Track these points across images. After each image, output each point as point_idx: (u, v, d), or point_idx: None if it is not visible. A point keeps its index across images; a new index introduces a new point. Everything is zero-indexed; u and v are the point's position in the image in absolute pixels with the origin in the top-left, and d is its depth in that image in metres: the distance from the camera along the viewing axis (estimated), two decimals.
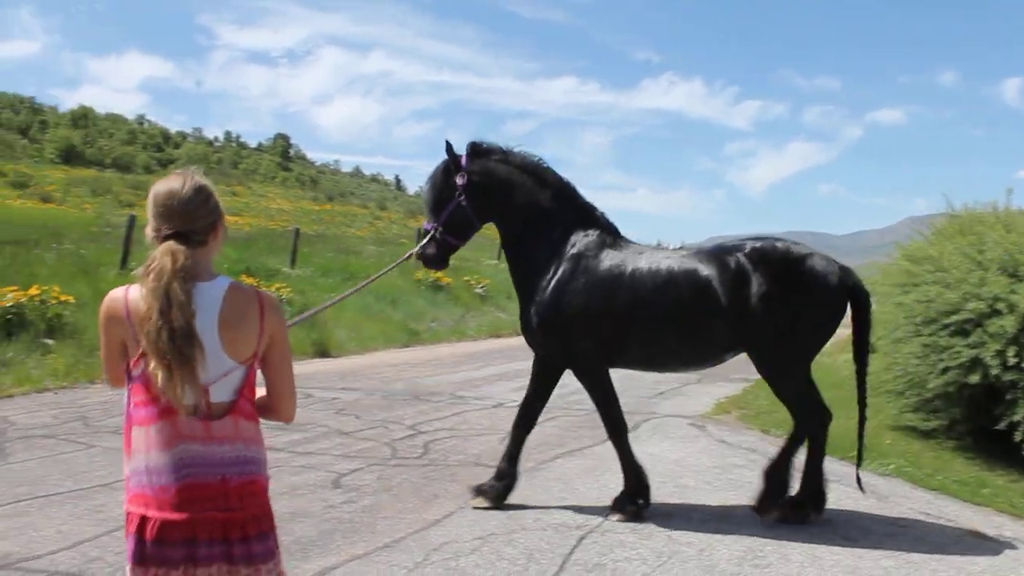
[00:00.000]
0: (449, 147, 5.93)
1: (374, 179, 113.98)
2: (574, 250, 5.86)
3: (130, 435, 2.49)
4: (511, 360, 13.97)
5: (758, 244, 5.76)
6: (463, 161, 5.92)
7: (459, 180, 5.88)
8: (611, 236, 6.00)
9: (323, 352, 14.34)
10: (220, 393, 2.49)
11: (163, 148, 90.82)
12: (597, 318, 5.71)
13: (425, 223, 6.16)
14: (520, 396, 10.38)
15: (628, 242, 6.06)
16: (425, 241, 6.00)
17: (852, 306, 5.86)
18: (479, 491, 5.90)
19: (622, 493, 5.86)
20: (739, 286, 5.57)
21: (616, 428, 5.92)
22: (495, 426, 8.44)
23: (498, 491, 5.88)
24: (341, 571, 4.61)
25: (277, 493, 5.97)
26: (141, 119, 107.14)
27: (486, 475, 6.35)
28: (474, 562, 4.80)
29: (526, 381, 11.32)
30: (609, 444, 7.90)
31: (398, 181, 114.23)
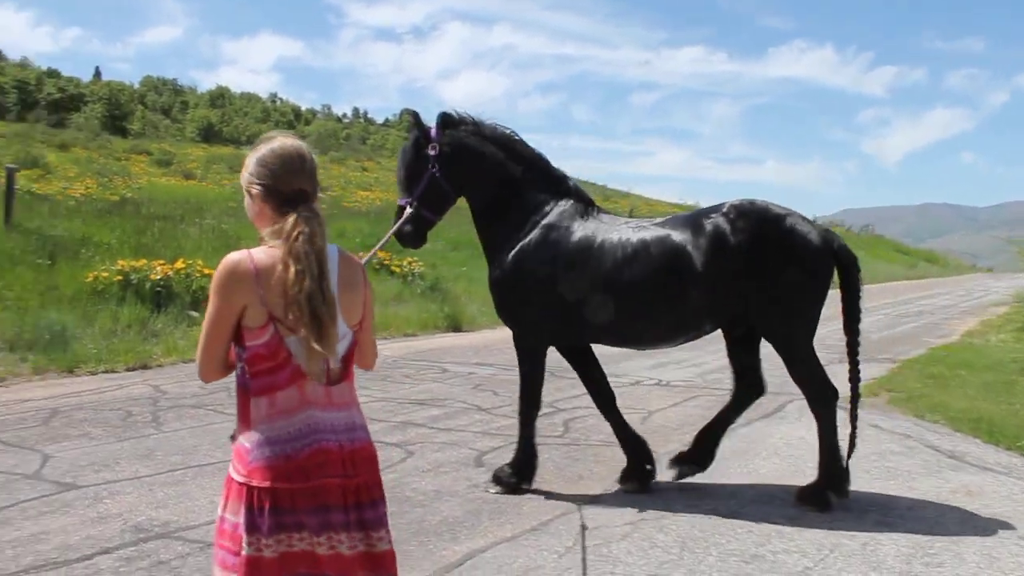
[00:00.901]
0: (417, 118, 5.75)
1: None
2: (544, 220, 5.65)
3: (248, 407, 2.44)
4: None
5: (735, 202, 5.47)
6: (433, 132, 5.73)
7: (431, 151, 5.66)
8: (584, 206, 5.77)
9: (455, 327, 14.41)
10: (334, 359, 2.48)
11: (295, 125, 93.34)
12: (563, 290, 5.49)
13: (400, 199, 5.87)
14: (657, 373, 10.21)
15: (603, 212, 5.84)
16: (405, 218, 5.73)
17: (839, 271, 5.51)
18: (625, 476, 5.76)
19: (507, 465, 5.68)
20: (715, 248, 5.29)
21: (529, 405, 5.71)
22: (634, 405, 8.24)
23: (647, 475, 5.74)
24: (491, 554, 4.52)
25: (421, 470, 5.98)
26: (274, 97, 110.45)
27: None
28: (626, 548, 4.64)
29: (662, 358, 11.15)
30: (757, 425, 7.65)
31: None
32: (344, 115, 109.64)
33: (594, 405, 6.02)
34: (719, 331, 5.74)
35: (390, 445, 6.52)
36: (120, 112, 64.57)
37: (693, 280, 5.29)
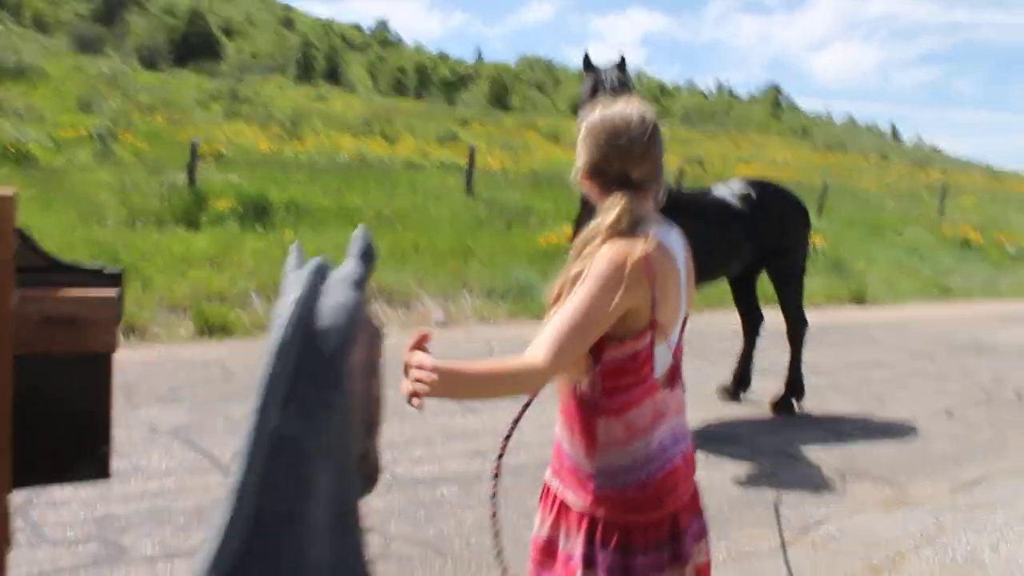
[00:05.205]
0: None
1: (868, 128, 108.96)
2: None
3: (594, 427, 2.08)
4: None
5: (751, 180, 6.88)
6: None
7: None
8: None
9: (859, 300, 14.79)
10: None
11: (660, 101, 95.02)
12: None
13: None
14: None
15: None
16: None
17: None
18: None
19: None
20: (744, 207, 6.50)
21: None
22: None
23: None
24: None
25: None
26: (639, 72, 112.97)
27: None
28: None
29: None
30: None
31: (894, 130, 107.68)
32: (708, 90, 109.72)
33: None
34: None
35: None
36: (504, 90, 69.91)
37: (735, 229, 6.48)
